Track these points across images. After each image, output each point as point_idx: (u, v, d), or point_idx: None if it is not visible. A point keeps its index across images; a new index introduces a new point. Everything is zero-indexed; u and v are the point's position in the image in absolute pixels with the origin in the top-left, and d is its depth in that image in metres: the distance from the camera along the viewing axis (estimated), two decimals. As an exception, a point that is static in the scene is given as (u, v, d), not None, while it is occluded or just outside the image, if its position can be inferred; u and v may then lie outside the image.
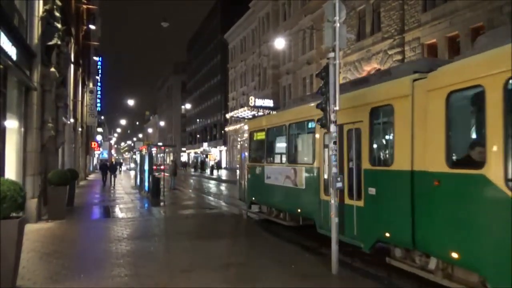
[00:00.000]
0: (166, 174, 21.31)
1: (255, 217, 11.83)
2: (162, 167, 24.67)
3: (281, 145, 10.39)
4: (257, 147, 11.78)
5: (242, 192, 12.90)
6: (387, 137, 6.73)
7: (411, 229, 5.57)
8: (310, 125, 8.72)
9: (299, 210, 8.95)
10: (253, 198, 11.64)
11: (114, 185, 24.63)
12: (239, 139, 13.58)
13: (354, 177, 6.99)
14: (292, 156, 9.61)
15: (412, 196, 5.57)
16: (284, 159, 9.97)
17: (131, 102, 61.26)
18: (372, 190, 6.45)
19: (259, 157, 11.45)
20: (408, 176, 5.63)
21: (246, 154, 12.40)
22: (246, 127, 12.76)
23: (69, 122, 20.02)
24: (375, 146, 6.86)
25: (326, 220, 7.49)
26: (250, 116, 41.16)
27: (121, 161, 76.02)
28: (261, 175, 10.85)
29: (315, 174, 8.27)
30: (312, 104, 7.92)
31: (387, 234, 6.10)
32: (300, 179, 8.77)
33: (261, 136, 11.33)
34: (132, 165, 54.19)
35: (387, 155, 6.59)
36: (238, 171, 14.23)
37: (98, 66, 45.96)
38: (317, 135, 8.27)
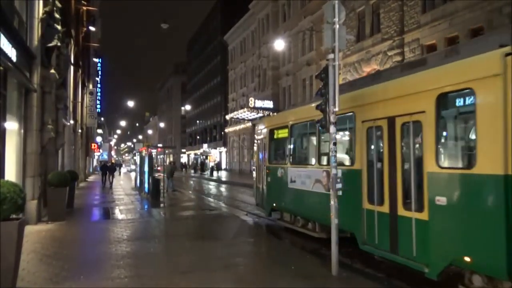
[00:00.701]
0: (161, 174, 21.28)
1: (274, 224, 10.98)
2: (159, 168, 24.57)
3: (309, 143, 9.23)
4: (279, 147, 10.57)
5: (260, 198, 11.48)
6: (463, 130, 5.46)
7: (505, 254, 4.33)
8: (349, 120, 7.29)
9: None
10: (274, 205, 10.41)
11: (111, 185, 25.46)
12: (256, 137, 12.08)
13: (412, 182, 5.69)
14: (324, 157, 8.16)
15: (507, 209, 4.36)
16: (313, 160, 8.68)
17: (131, 103, 61.25)
18: (441, 200, 5.12)
19: (280, 157, 10.31)
20: (501, 182, 4.41)
21: (266, 154, 10.94)
22: (261, 126, 11.48)
23: (69, 123, 20.03)
24: (445, 142, 5.60)
25: (371, 235, 6.45)
26: (250, 117, 41.33)
27: (121, 162, 76.04)
28: (283, 178, 9.65)
29: (355, 178, 6.83)
30: (352, 93, 6.99)
31: (467, 259, 4.78)
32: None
33: (283, 133, 10.04)
34: (133, 166, 54.21)
35: (465, 155, 5.25)
36: (254, 174, 12.57)
37: (98, 68, 45.98)
38: (358, 132, 6.93)
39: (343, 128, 7.60)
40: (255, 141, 12.19)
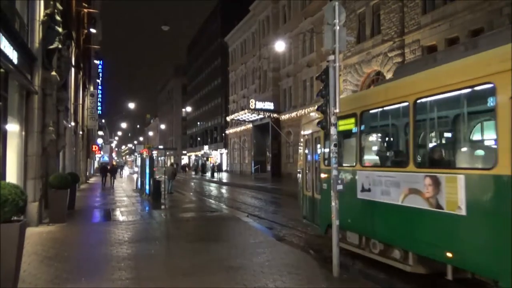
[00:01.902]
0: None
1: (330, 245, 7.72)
2: (154, 169, 24.56)
3: (395, 136, 7.12)
4: (341, 143, 7.73)
5: (310, 210, 9.14)
6: None
7: None
8: (488, 98, 4.94)
9: (448, 255, 5.03)
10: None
11: (112, 184, 27.32)
12: (303, 132, 9.74)
13: None
14: (427, 155, 5.96)
15: None
16: (405, 160, 6.14)
17: (131, 105, 61.44)
18: None
19: (344, 157, 7.81)
20: None
21: (320, 153, 8.48)
22: (312, 117, 9.06)
23: (70, 125, 20.05)
24: None
25: None
26: (251, 119, 41.38)
27: (122, 164, 76.08)
28: (349, 186, 7.04)
29: (499, 191, 4.45)
30: (490, 52, 4.75)
31: None
32: (452, 196, 4.95)
33: (347, 124, 7.47)
34: (136, 168, 54.19)
35: None
36: (299, 177, 10.10)
37: (99, 70, 46.05)
38: (504, 114, 4.37)
39: (478, 109, 5.56)
40: (301, 137, 9.82)
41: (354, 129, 7.27)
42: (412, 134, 5.79)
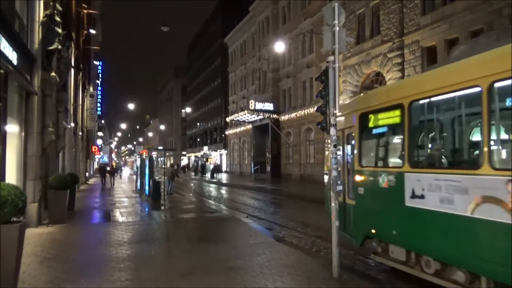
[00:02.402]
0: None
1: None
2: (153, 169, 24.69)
3: (459, 130, 5.93)
4: (382, 139, 6.90)
5: (341, 217, 7.47)
6: None
7: None
8: None
9: None
10: (373, 231, 6.62)
11: (113, 184, 28.55)
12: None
13: None
14: (510, 154, 4.76)
15: None
16: (474, 159, 5.22)
17: (131, 106, 61.41)
18: None
19: (386, 157, 6.78)
20: None
21: (355, 152, 7.13)
22: (344, 111, 7.66)
23: (69, 126, 20.05)
24: None
25: None
26: (251, 120, 41.42)
27: (121, 165, 76.06)
28: (394, 191, 5.94)
29: None
30: None
31: None
32: None
33: (391, 118, 6.35)
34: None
35: None
36: (326, 180, 8.84)
37: (99, 70, 46.11)
38: None
39: None
40: (339, 130, 7.96)
41: (400, 123, 6.01)
42: (487, 127, 4.53)
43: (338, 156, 7.37)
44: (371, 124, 6.87)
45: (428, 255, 5.56)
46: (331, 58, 6.09)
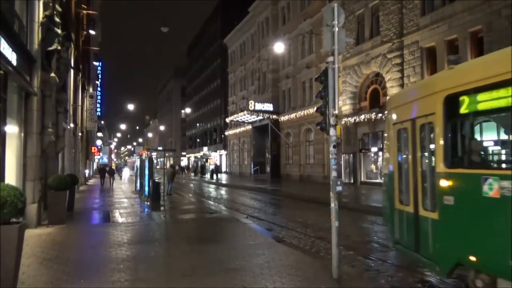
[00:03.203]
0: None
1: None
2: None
3: None
4: (489, 130, 5.69)
5: (408, 232, 6.05)
6: None
7: None
8: None
9: None
10: (471, 258, 4.68)
11: (111, 185, 28.66)
12: (393, 117, 6.44)
13: None
14: None
15: None
16: None
17: (131, 107, 61.49)
18: None
19: (500, 154, 5.53)
20: None
21: (439, 149, 5.24)
22: (412, 94, 6.48)
23: (69, 127, 20.04)
24: None
25: None
26: (250, 120, 41.43)
27: (121, 166, 76.02)
28: (504, 205, 4.11)
29: None
30: None
31: None
32: None
33: (499, 100, 4.38)
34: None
35: None
36: (383, 184, 7.59)
37: (98, 71, 46.09)
38: None
39: None
40: (388, 127, 6.93)
41: None
42: None
43: (386, 154, 6.42)
44: (465, 109, 4.90)
45: None
46: (330, 58, 6.09)
